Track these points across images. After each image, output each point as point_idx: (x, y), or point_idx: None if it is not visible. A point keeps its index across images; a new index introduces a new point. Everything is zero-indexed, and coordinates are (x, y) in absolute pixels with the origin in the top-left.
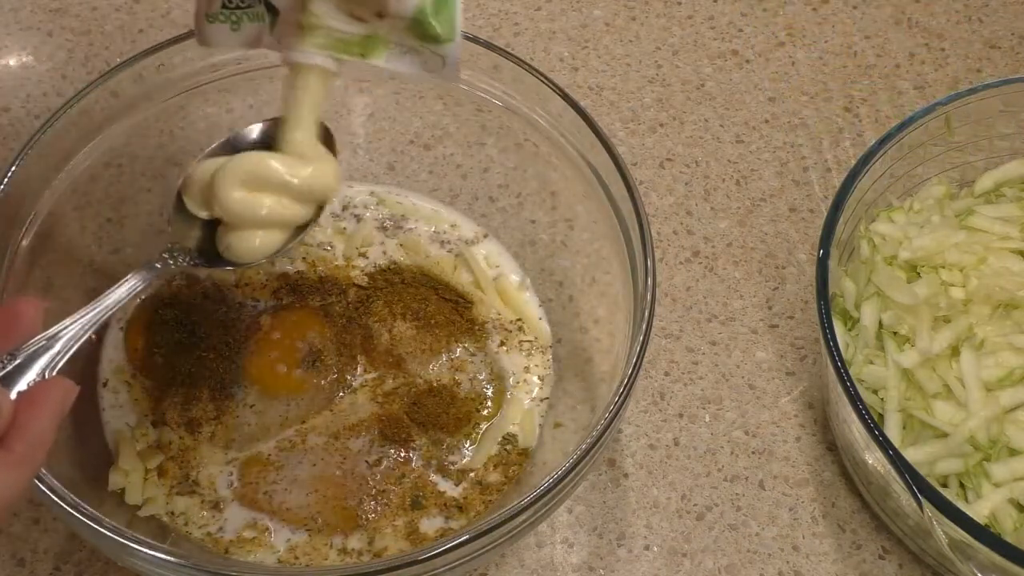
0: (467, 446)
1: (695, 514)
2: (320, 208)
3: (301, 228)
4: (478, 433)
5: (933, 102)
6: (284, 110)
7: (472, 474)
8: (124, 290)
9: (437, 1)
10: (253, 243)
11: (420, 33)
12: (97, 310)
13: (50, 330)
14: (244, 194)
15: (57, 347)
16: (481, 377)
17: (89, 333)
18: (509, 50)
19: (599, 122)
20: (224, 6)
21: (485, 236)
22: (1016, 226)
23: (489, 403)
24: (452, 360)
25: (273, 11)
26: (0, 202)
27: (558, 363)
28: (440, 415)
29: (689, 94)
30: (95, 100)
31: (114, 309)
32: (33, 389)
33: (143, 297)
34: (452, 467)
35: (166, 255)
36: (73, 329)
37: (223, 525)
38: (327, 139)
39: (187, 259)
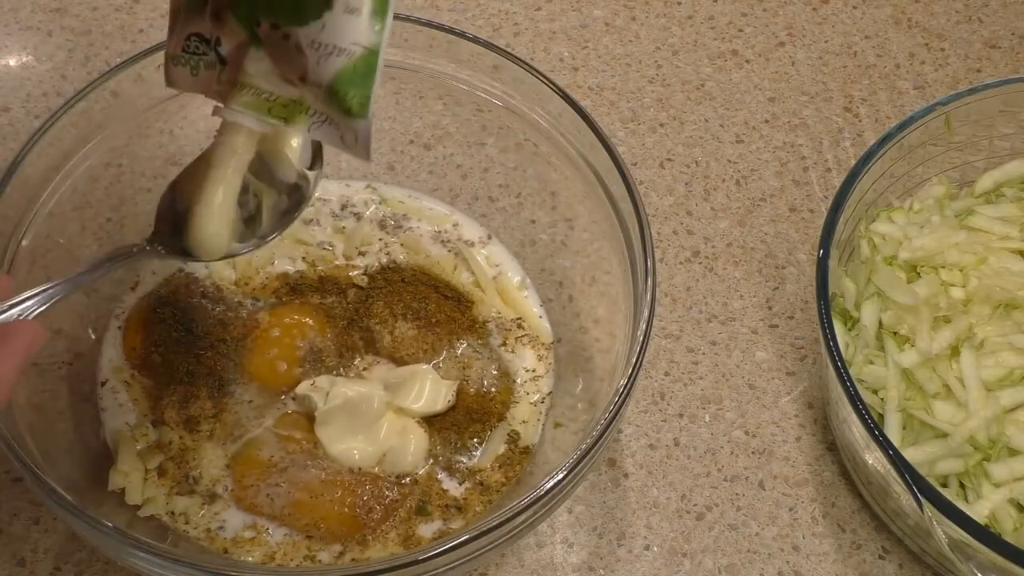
0: (476, 444)
1: (695, 514)
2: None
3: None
4: (488, 432)
5: (933, 102)
6: (209, 163)
7: (479, 475)
8: (93, 269)
9: (356, 76)
10: (209, 234)
11: (336, 104)
12: (63, 283)
13: (18, 296)
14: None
15: (15, 312)
16: (489, 375)
17: (52, 303)
18: (509, 50)
19: (599, 122)
20: (184, 50)
21: (489, 238)
22: (1016, 226)
23: (498, 402)
24: (458, 358)
25: (224, 61)
26: (0, 202)
27: (558, 363)
28: (450, 413)
29: (689, 94)
30: (95, 100)
31: (77, 286)
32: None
33: (141, 295)
34: (460, 466)
35: (143, 242)
36: (38, 299)
37: (223, 525)
38: (317, 152)
39: (163, 248)
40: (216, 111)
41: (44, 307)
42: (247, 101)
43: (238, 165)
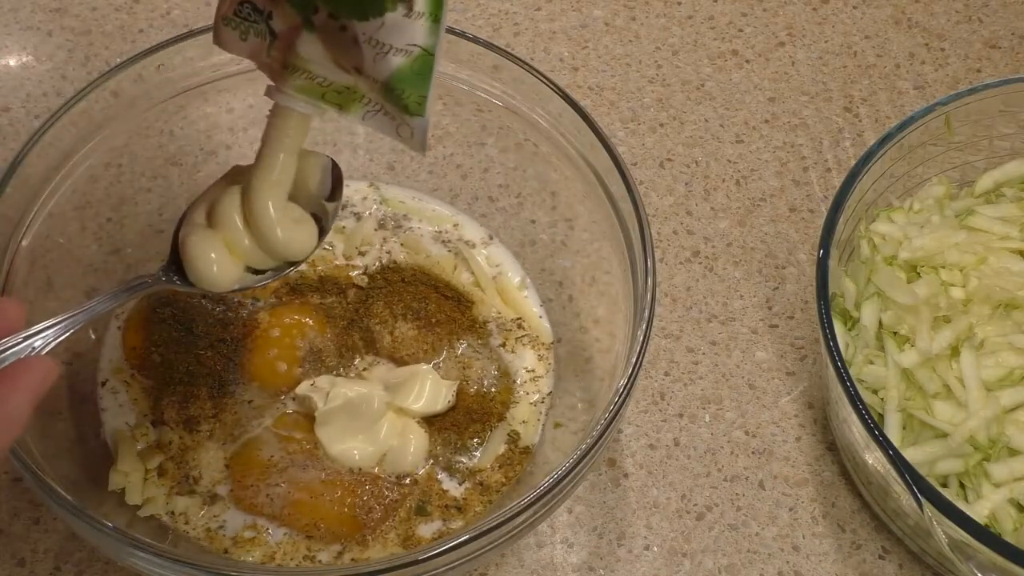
0: (476, 445)
1: (695, 514)
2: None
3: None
4: (488, 432)
5: (933, 102)
6: (262, 146)
7: (479, 475)
8: (109, 300)
9: (413, 75)
10: (210, 269)
11: (393, 101)
12: (79, 314)
13: (32, 328)
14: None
15: (37, 344)
16: (489, 375)
17: (67, 336)
18: (509, 50)
19: (599, 122)
20: (236, 14)
21: (491, 239)
22: (1016, 226)
23: (498, 402)
24: (458, 358)
25: (274, 34)
26: (0, 202)
27: (558, 363)
28: (450, 413)
29: (689, 94)
30: (95, 100)
31: (92, 317)
32: (11, 367)
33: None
34: (460, 466)
35: (159, 272)
36: (53, 331)
37: (223, 525)
38: (334, 172)
39: (178, 278)
40: (269, 92)
41: (60, 339)
42: (300, 85)
43: (291, 147)
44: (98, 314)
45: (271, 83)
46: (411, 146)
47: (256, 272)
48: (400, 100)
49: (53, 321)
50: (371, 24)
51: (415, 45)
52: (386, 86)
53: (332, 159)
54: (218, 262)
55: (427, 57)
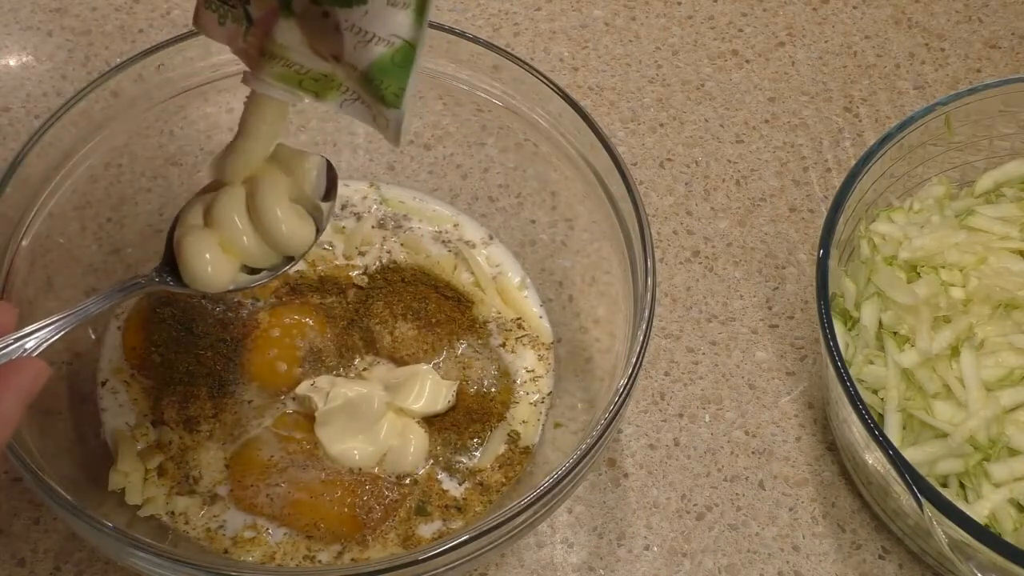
0: (476, 445)
1: (695, 514)
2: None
3: (276, 267)
4: (488, 432)
5: (933, 102)
6: (239, 133)
7: (479, 475)
8: (102, 301)
9: (393, 67)
10: (205, 269)
11: (371, 91)
12: (71, 315)
13: (23, 330)
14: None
15: (29, 345)
16: (489, 375)
17: (59, 337)
18: (509, 50)
19: (599, 122)
20: None
21: (491, 239)
22: (1016, 226)
23: (498, 402)
24: (458, 358)
25: (251, 20)
26: (0, 202)
27: (558, 363)
28: (450, 413)
29: (689, 94)
30: (95, 100)
31: (84, 318)
32: (2, 368)
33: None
34: (460, 466)
35: (153, 273)
36: (45, 332)
37: (223, 525)
38: (329, 173)
39: (172, 279)
40: (246, 79)
41: (52, 340)
42: (278, 72)
43: (270, 134)
44: (91, 315)
45: (247, 70)
46: (386, 136)
47: (251, 272)
48: (378, 91)
49: (45, 322)
50: (355, 11)
51: (398, 36)
52: (365, 75)
53: (327, 159)
54: (213, 262)
55: (408, 50)
